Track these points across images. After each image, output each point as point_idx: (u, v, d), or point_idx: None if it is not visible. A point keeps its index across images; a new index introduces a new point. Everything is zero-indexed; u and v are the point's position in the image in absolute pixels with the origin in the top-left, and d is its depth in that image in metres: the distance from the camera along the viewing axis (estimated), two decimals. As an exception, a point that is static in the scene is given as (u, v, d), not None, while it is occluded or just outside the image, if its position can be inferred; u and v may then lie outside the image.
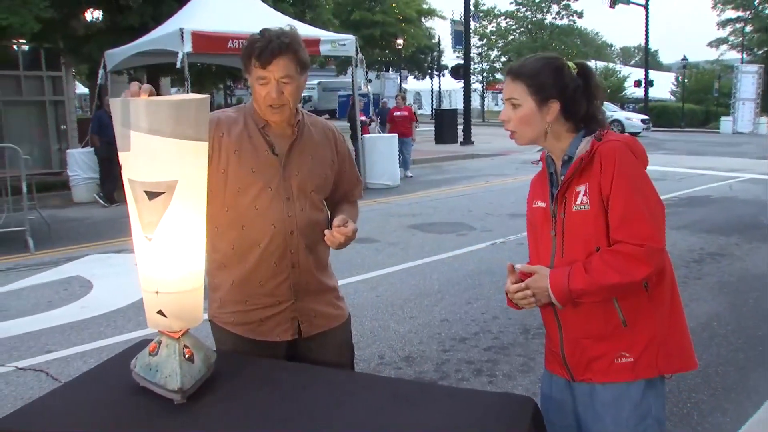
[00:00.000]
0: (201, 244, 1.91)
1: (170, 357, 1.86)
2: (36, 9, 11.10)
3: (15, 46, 15.28)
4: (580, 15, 49.19)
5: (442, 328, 5.19)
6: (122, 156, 1.78)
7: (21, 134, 15.15)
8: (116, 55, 12.16)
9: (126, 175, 1.79)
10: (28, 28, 11.15)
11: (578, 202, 1.91)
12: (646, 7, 34.16)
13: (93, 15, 15.28)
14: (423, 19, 40.75)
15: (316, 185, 2.37)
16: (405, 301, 5.85)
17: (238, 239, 2.28)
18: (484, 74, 49.66)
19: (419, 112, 25.00)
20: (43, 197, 10.80)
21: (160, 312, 1.84)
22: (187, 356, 1.88)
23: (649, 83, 36.87)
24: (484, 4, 50.45)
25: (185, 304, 1.87)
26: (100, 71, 12.51)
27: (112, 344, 4.67)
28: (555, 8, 49.09)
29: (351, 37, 12.64)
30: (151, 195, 1.77)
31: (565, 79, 1.95)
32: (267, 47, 2.15)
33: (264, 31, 2.21)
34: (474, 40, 44.15)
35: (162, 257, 1.82)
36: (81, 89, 28.68)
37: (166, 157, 1.76)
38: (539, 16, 49.93)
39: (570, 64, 2.00)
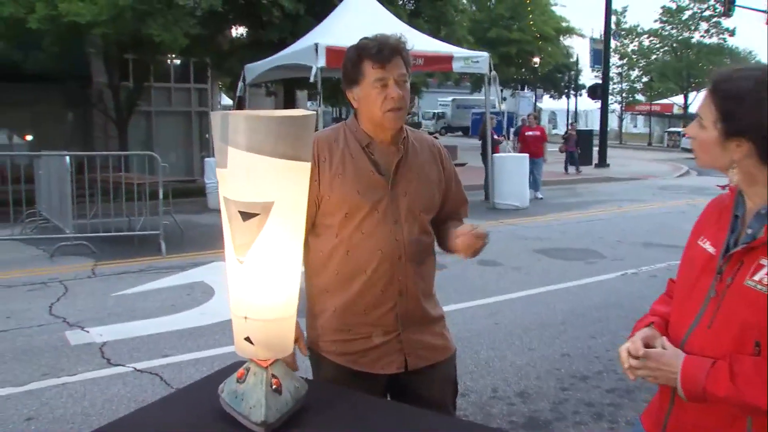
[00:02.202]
0: (296, 271, 1.79)
1: (257, 386, 1.76)
2: (186, 26, 11.86)
3: (168, 61, 16.41)
4: (732, 33, 46.02)
5: (563, 363, 4.86)
6: (219, 173, 1.70)
7: (168, 142, 16.26)
8: (255, 68, 12.63)
9: (222, 192, 1.71)
10: (178, 44, 11.96)
11: (757, 278, 1.46)
12: (809, 24, 31.46)
13: (237, 31, 16.03)
14: (561, 38, 39.70)
15: (425, 206, 2.20)
16: (525, 331, 5.56)
17: (343, 265, 2.16)
18: (623, 95, 47.83)
19: (553, 132, 24.13)
20: (179, 203, 11.32)
21: (247, 339, 1.74)
22: (274, 387, 1.77)
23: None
24: (626, 22, 48.55)
25: (274, 333, 1.76)
26: (240, 84, 13.04)
27: (224, 354, 4.71)
28: (704, 26, 46.29)
29: (484, 54, 12.45)
30: (246, 216, 1.67)
31: None
32: (385, 45, 2.03)
33: (363, 38, 2.09)
34: (614, 59, 42.62)
35: (253, 281, 1.72)
36: (227, 101, 30.22)
37: (263, 177, 1.65)
38: (686, 34, 47.23)
39: None
